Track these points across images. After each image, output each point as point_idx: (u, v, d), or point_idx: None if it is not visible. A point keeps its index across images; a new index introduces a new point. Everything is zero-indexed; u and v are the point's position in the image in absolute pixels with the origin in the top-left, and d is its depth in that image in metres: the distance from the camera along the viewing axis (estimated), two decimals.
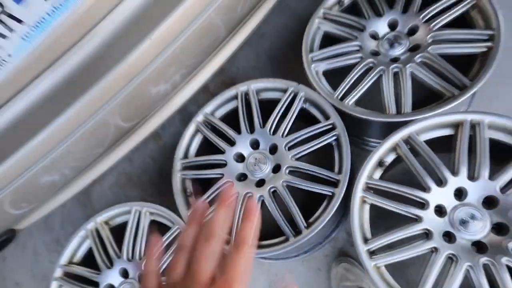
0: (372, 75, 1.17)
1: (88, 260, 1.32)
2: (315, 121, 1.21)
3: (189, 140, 1.33)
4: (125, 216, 1.32)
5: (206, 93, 1.65)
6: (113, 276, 1.23)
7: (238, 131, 1.26)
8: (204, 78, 1.33)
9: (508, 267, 0.88)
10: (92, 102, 1.01)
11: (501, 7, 1.10)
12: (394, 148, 1.07)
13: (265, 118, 1.25)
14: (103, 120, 1.02)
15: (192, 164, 1.29)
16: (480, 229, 0.93)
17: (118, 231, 1.31)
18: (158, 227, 1.25)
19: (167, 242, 1.19)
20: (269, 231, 1.14)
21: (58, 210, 1.79)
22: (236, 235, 0.41)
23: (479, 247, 0.93)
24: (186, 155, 1.32)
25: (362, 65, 1.20)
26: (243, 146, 1.25)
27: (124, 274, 1.24)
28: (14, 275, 1.85)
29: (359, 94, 1.18)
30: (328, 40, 1.35)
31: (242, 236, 0.40)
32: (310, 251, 1.30)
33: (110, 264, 1.25)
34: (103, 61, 0.99)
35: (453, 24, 1.18)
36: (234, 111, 1.31)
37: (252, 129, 1.26)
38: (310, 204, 1.13)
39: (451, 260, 0.92)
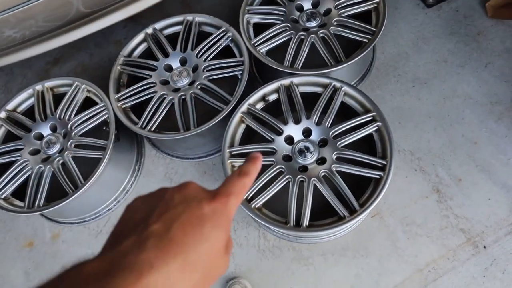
0: (284, 35, 1.51)
1: (28, 114, 1.63)
2: (233, 56, 1.54)
3: (136, 44, 1.64)
4: (68, 88, 1.62)
5: (161, 12, 1.94)
6: (44, 127, 1.55)
7: (174, 48, 1.58)
8: None
9: (315, 185, 1.25)
10: None
11: None
12: (277, 90, 1.41)
13: (198, 44, 1.57)
14: None
15: (131, 63, 1.60)
16: (310, 158, 1.29)
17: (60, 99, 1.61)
18: (90, 101, 1.57)
19: (93, 114, 1.52)
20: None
21: (18, 76, 2.08)
22: (242, 166, 0.48)
23: (303, 169, 1.30)
24: (130, 55, 1.63)
25: (280, 25, 1.53)
26: (174, 60, 1.57)
27: (53, 128, 1.56)
28: None
29: (271, 46, 1.51)
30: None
31: (247, 169, 0.48)
32: (203, 158, 1.66)
33: (45, 119, 1.57)
34: None
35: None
36: (177, 33, 1.63)
37: (185, 50, 1.58)
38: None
39: (281, 173, 1.29)
